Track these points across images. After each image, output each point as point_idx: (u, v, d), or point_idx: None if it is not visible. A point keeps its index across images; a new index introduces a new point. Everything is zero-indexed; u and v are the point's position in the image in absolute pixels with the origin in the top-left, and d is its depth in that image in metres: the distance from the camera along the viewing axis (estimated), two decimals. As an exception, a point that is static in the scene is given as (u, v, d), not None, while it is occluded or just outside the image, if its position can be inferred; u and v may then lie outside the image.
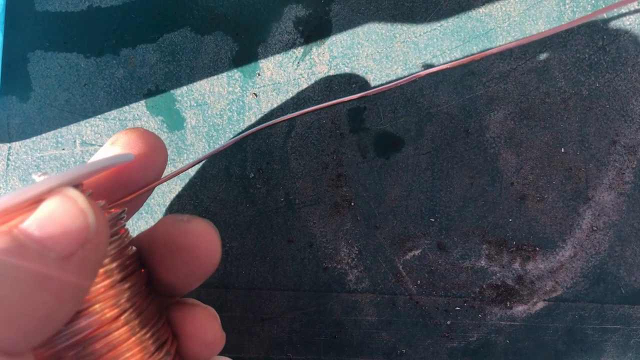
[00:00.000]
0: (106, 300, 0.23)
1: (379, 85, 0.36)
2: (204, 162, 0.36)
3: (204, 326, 0.26)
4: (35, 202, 0.20)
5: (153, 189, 0.29)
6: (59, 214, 0.19)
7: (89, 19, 0.36)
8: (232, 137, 0.36)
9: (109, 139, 0.28)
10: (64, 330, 0.21)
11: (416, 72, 0.34)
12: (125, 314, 0.23)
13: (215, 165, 0.36)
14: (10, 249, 0.18)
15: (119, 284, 0.23)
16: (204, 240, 0.25)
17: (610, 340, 0.37)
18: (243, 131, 0.36)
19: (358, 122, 0.36)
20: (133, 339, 0.23)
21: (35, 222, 0.19)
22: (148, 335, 0.24)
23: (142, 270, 0.26)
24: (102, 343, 0.22)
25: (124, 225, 0.26)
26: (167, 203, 0.36)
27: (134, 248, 0.26)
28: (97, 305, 0.22)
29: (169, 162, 0.36)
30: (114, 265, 0.24)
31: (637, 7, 0.35)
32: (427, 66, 0.36)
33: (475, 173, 0.36)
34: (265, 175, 0.36)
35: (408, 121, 0.36)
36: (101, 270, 0.23)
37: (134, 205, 0.29)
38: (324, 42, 0.36)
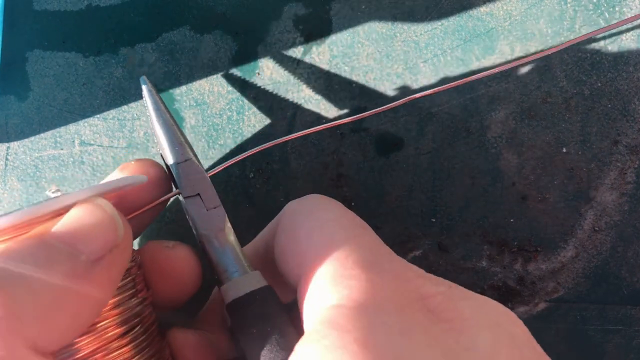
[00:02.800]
0: (113, 317, 0.23)
1: (375, 89, 0.36)
2: (203, 162, 0.36)
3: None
4: (58, 214, 0.20)
5: (164, 205, 0.30)
6: (90, 219, 0.20)
7: (87, 18, 0.36)
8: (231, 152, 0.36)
9: (119, 166, 0.29)
10: (70, 346, 0.21)
11: (410, 96, 0.34)
12: (132, 332, 0.23)
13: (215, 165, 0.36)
14: (42, 251, 0.19)
15: (127, 302, 0.24)
16: (186, 266, 0.27)
17: (612, 341, 0.37)
18: (247, 139, 0.36)
19: (358, 121, 0.36)
20: (137, 357, 0.23)
21: (66, 227, 0.20)
22: (151, 353, 0.24)
23: (148, 289, 0.26)
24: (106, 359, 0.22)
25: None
26: (167, 204, 0.36)
27: (140, 266, 0.26)
28: (103, 322, 0.22)
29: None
30: (125, 281, 0.24)
31: (638, 7, 0.35)
32: (426, 64, 0.36)
33: (476, 173, 0.36)
34: (265, 175, 0.36)
35: (409, 121, 0.36)
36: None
37: (138, 228, 0.30)
38: (324, 41, 0.36)
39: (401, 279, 0.22)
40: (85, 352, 0.21)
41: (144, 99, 0.30)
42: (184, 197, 0.28)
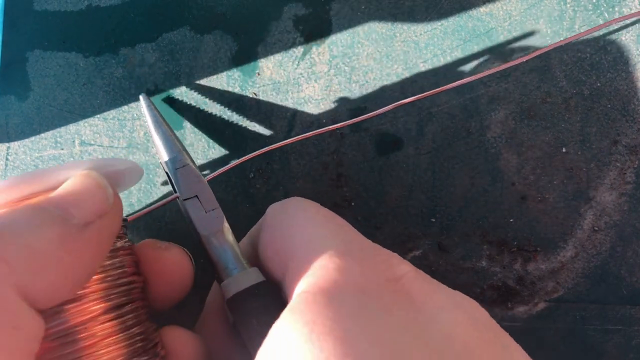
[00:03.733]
0: (101, 291, 0.23)
1: (375, 89, 0.36)
2: (203, 162, 0.36)
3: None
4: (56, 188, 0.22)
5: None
6: (82, 187, 0.22)
7: (88, 18, 0.36)
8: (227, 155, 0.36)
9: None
10: (58, 313, 0.22)
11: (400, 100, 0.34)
12: (116, 309, 0.24)
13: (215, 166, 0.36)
14: (37, 213, 0.20)
15: (115, 280, 0.24)
16: (178, 267, 0.28)
17: (611, 341, 0.37)
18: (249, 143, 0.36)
19: (358, 121, 0.36)
20: (121, 335, 0.24)
21: (59, 193, 0.22)
22: (137, 333, 0.25)
23: (139, 276, 0.27)
24: (88, 334, 0.22)
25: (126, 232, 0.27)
26: (169, 205, 0.36)
27: (131, 253, 0.26)
28: (92, 295, 0.23)
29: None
30: (115, 260, 0.25)
31: (637, 7, 0.35)
32: (428, 66, 0.36)
33: (476, 173, 0.36)
34: (265, 175, 0.36)
35: (408, 121, 0.36)
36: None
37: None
38: (324, 42, 0.36)
39: (369, 262, 0.23)
40: (73, 323, 0.22)
41: (142, 112, 0.32)
42: (184, 200, 0.29)
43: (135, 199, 0.36)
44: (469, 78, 0.35)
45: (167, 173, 0.30)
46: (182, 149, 0.31)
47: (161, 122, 0.31)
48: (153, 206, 0.31)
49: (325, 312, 0.20)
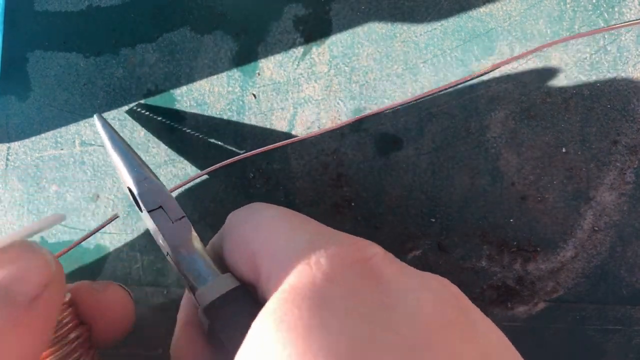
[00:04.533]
0: (47, 357, 0.23)
1: (375, 89, 0.36)
2: (203, 162, 0.36)
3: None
4: None
5: None
6: (21, 260, 0.21)
7: (88, 18, 0.36)
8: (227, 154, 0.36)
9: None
10: None
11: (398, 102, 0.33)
12: None
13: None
14: None
15: (63, 338, 0.24)
16: (119, 306, 0.28)
17: (611, 341, 0.37)
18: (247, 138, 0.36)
19: (358, 121, 0.36)
20: None
21: (0, 271, 0.20)
22: None
23: (83, 325, 0.27)
24: None
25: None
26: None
27: (71, 304, 0.27)
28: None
29: (169, 162, 0.36)
30: (60, 317, 0.25)
31: (637, 7, 0.35)
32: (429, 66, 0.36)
33: (475, 173, 0.36)
34: (265, 175, 0.36)
35: (408, 121, 0.36)
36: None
37: None
38: (324, 42, 0.36)
39: (336, 246, 0.23)
40: None
41: (98, 131, 0.33)
42: (148, 211, 0.29)
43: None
44: (467, 77, 0.35)
45: (129, 190, 0.30)
46: (142, 164, 0.31)
47: (118, 140, 0.31)
48: (90, 233, 0.33)
49: (292, 309, 0.20)
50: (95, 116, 0.32)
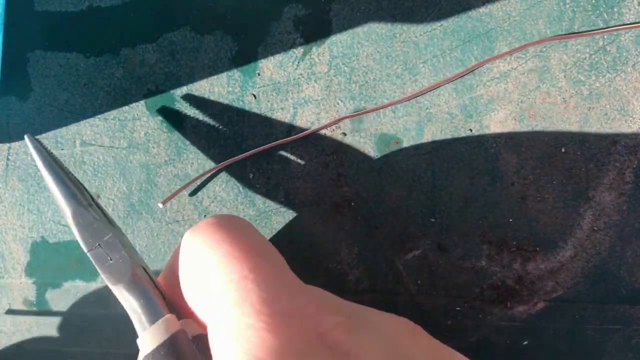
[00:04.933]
0: None
1: (375, 90, 0.36)
2: (203, 162, 0.36)
3: None
4: None
5: None
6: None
7: (88, 18, 0.36)
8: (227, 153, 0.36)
9: None
10: None
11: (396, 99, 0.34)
12: None
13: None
14: None
15: None
16: None
17: (610, 340, 0.37)
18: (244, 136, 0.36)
19: (358, 121, 0.36)
20: None
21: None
22: None
23: None
24: None
25: None
26: (168, 204, 0.36)
27: None
28: None
29: (169, 162, 0.36)
30: None
31: (636, 7, 0.35)
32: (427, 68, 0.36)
33: (475, 173, 0.36)
34: (265, 175, 0.36)
35: (408, 121, 0.36)
36: None
37: None
38: (324, 42, 0.36)
39: (300, 317, 0.23)
40: None
41: (32, 155, 0.29)
42: (87, 252, 0.27)
43: (136, 198, 0.36)
44: (464, 70, 0.35)
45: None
46: (80, 190, 0.28)
47: (53, 164, 0.28)
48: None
49: None
50: (26, 137, 0.28)
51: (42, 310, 0.37)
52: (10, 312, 0.37)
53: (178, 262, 0.27)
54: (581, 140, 0.36)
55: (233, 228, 0.26)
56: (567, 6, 0.35)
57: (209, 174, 0.36)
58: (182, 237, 0.36)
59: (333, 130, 0.36)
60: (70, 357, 0.37)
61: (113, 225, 0.28)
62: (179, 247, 0.27)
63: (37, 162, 0.28)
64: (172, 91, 0.36)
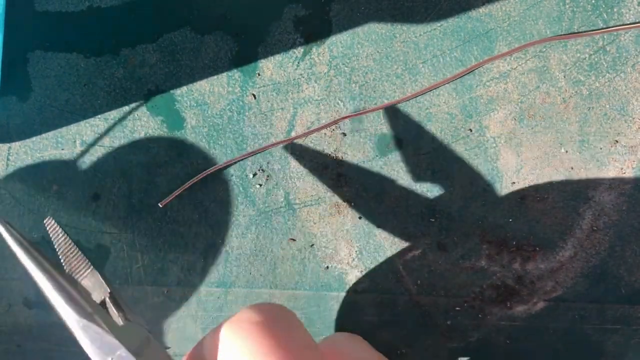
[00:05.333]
0: None
1: (375, 90, 0.36)
2: (204, 162, 0.36)
3: None
4: None
5: None
6: None
7: (88, 19, 0.36)
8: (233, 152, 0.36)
9: None
10: None
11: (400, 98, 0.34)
12: None
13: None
14: None
15: None
16: None
17: (610, 340, 0.37)
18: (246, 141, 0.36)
19: (358, 121, 0.36)
20: None
21: None
22: None
23: None
24: None
25: None
26: (169, 205, 0.36)
27: None
28: None
29: (170, 162, 0.36)
30: None
31: (636, 7, 0.35)
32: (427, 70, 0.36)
33: (475, 173, 0.36)
34: (265, 175, 0.36)
35: (408, 121, 0.36)
36: None
37: None
38: (324, 42, 0.36)
39: None
40: None
41: (4, 239, 0.26)
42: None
43: (137, 198, 0.37)
44: (463, 70, 0.35)
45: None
46: (81, 294, 0.25)
47: (27, 246, 0.25)
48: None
49: None
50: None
51: (42, 309, 0.37)
52: (10, 311, 0.37)
53: (209, 347, 0.26)
54: (581, 140, 0.36)
55: (277, 329, 0.25)
56: (567, 6, 0.35)
57: (209, 174, 0.36)
58: (182, 237, 0.36)
59: (333, 130, 0.36)
60: (72, 356, 0.37)
61: (125, 312, 0.26)
62: (214, 331, 0.26)
63: (13, 248, 0.25)
64: (172, 91, 0.36)
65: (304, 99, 0.36)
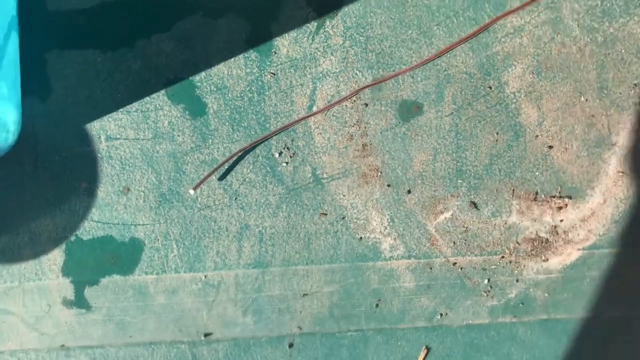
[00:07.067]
0: None
1: (392, 56, 0.36)
2: (229, 145, 0.37)
3: None
4: None
5: None
6: None
7: (101, 13, 0.36)
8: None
9: None
10: None
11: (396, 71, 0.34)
12: None
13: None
14: None
15: None
16: None
17: (647, 282, 0.37)
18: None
19: (377, 90, 0.36)
20: None
21: None
22: None
23: None
24: None
25: None
26: (198, 190, 0.36)
27: None
28: None
29: (195, 149, 0.36)
30: None
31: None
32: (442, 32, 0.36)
33: (498, 130, 0.36)
34: (291, 152, 0.37)
35: (427, 84, 0.36)
36: None
37: None
38: (337, 14, 0.36)
39: None
40: None
41: None
42: None
43: (166, 188, 0.37)
44: (479, 29, 0.35)
45: None
46: None
47: None
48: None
49: None
50: None
51: (82, 308, 0.37)
52: (51, 312, 0.37)
53: None
54: (600, 87, 0.36)
55: None
56: (574, -45, 0.35)
57: (236, 157, 0.36)
58: (215, 222, 0.37)
59: (354, 101, 0.36)
60: (115, 352, 0.37)
61: None
62: None
63: None
64: (190, 78, 0.36)
65: (322, 73, 0.36)
